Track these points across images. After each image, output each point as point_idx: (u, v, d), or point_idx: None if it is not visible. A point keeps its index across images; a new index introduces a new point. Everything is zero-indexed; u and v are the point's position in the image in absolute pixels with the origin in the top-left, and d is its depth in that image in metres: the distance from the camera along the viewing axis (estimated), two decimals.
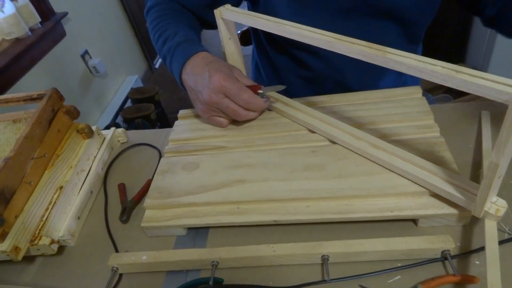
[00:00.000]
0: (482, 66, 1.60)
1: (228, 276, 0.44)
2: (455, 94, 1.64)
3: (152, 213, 0.50)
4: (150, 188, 0.52)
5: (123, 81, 2.18)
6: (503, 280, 0.35)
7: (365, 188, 0.46)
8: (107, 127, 1.85)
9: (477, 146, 0.53)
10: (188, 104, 0.63)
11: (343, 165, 0.49)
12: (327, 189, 0.47)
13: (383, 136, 0.52)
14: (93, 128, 0.62)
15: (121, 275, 0.47)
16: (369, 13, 0.61)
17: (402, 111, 0.56)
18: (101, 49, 1.98)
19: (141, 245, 0.50)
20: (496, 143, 0.34)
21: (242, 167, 0.53)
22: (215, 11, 0.58)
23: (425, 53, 0.78)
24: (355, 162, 0.49)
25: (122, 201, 0.56)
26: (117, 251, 0.50)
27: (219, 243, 0.48)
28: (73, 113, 0.60)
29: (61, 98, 0.58)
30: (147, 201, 0.51)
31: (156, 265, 0.46)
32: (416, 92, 0.59)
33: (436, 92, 1.67)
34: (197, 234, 0.50)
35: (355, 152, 0.51)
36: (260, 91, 0.58)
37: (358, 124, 0.55)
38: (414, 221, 0.45)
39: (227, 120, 0.60)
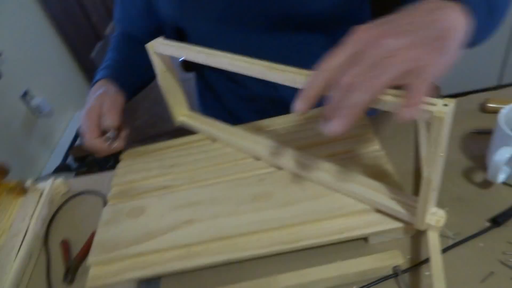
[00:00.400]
0: None
1: None
2: None
3: (97, 270, 0.47)
4: (94, 242, 0.49)
5: (72, 117, 2.08)
6: (452, 285, 0.36)
7: (313, 213, 0.45)
8: (58, 169, 1.75)
9: (416, 153, 0.54)
10: (144, 132, 0.62)
11: (291, 191, 0.49)
12: (276, 218, 0.46)
13: (326, 155, 0.52)
14: (28, 183, 0.58)
15: None
16: (291, 27, 0.60)
17: None
18: (43, 87, 1.88)
19: None
20: (426, 158, 0.35)
21: (189, 206, 0.51)
22: (147, 45, 0.57)
23: None
24: (302, 187, 0.49)
25: (65, 260, 0.52)
26: None
27: None
28: (2, 172, 0.55)
29: None
30: (91, 257, 0.47)
31: None
32: None
33: None
34: (149, 285, 0.47)
35: (301, 177, 0.50)
36: (107, 135, 0.59)
37: (300, 145, 0.55)
38: (364, 238, 0.46)
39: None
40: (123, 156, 0.64)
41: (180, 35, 0.70)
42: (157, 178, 0.57)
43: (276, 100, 0.71)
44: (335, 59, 0.34)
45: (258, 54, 0.47)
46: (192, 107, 0.69)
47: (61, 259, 0.52)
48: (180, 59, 0.93)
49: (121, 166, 0.62)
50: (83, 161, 1.62)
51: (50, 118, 1.88)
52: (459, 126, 0.56)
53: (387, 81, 0.31)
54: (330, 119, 0.34)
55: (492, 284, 0.38)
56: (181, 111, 0.66)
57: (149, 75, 0.70)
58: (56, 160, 1.76)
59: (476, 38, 0.38)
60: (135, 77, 0.71)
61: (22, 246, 0.52)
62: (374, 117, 0.61)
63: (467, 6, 0.34)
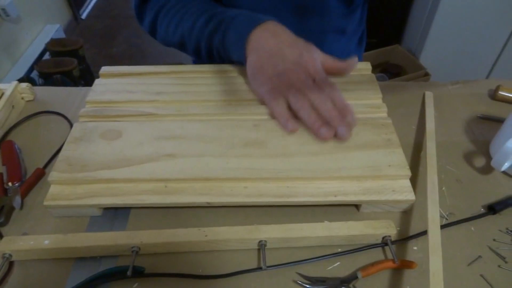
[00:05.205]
0: (416, 49, 1.66)
1: (151, 264, 0.38)
2: (391, 74, 1.70)
3: (59, 189, 0.42)
4: (58, 159, 0.43)
5: (41, 30, 1.89)
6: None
7: (309, 170, 0.42)
8: (20, 81, 1.61)
9: (419, 126, 0.52)
10: (119, 62, 0.53)
11: (287, 143, 0.45)
12: (268, 169, 0.42)
13: None
14: None
15: (12, 262, 0.38)
16: None
17: (351, 87, 0.53)
18: None
19: (44, 227, 0.41)
20: None
21: (173, 139, 0.46)
22: None
23: (368, 35, 0.76)
24: (299, 141, 0.45)
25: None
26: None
27: (142, 227, 0.41)
28: None
29: None
30: (53, 174, 0.42)
31: (61, 251, 0.38)
32: (366, 68, 0.56)
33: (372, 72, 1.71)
34: (116, 215, 0.43)
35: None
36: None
37: None
38: (356, 206, 0.43)
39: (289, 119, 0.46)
40: (102, 72, 0.57)
41: None
42: (140, 103, 0.51)
43: None
44: None
45: None
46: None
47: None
48: None
49: (100, 83, 0.55)
50: (50, 77, 1.48)
51: (17, 24, 1.70)
52: (467, 109, 0.54)
53: None
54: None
55: (478, 268, 0.37)
56: None
57: None
58: (19, 72, 1.61)
59: None
60: None
61: None
62: (381, 83, 0.58)
63: None
